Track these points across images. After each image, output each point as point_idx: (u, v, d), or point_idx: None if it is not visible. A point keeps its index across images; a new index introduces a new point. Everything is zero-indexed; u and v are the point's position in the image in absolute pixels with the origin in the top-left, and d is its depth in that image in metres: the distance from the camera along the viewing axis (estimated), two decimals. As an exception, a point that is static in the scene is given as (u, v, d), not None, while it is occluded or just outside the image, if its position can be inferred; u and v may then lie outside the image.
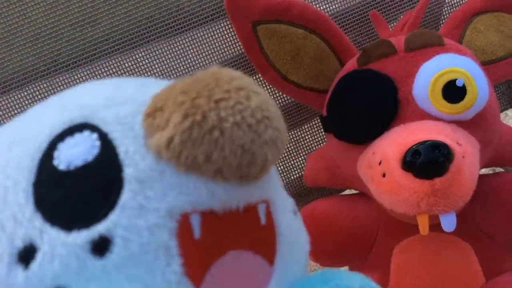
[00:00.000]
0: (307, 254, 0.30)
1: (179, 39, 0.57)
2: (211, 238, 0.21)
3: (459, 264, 0.53)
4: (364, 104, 0.50)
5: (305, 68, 0.57)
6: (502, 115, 0.61)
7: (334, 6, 0.61)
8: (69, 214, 0.20)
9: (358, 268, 0.58)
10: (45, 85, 0.54)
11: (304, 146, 0.66)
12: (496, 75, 0.59)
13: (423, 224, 0.45)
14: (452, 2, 0.65)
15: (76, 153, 0.21)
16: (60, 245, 0.19)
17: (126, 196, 0.20)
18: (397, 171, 0.44)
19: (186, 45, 0.58)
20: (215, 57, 0.59)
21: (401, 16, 0.61)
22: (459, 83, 0.47)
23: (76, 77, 0.54)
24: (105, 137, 0.21)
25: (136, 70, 0.56)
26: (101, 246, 0.19)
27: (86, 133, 0.21)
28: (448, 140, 0.45)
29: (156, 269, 0.20)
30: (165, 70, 0.58)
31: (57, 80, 0.54)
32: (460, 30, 0.59)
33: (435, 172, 0.43)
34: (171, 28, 0.56)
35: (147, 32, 0.55)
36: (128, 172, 0.21)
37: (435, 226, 0.46)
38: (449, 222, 0.44)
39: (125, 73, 0.56)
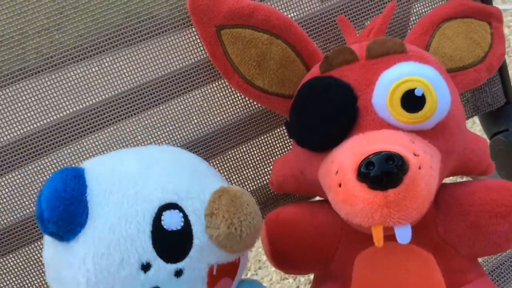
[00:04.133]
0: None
1: (147, 44, 0.56)
2: (220, 274, 0.42)
3: (420, 274, 0.52)
4: (323, 112, 0.50)
5: (271, 74, 0.56)
6: (469, 122, 0.61)
7: (300, 11, 0.60)
8: (167, 255, 0.39)
9: (321, 276, 0.57)
10: (9, 90, 0.53)
11: (274, 152, 0.65)
12: (463, 82, 0.58)
13: (378, 236, 0.44)
14: (420, 10, 0.65)
15: (173, 222, 0.39)
16: (163, 268, 0.39)
17: (193, 252, 0.40)
18: (352, 182, 0.44)
19: (154, 51, 0.57)
20: (182, 63, 0.58)
21: (368, 22, 0.60)
22: (417, 93, 0.46)
23: (41, 83, 0.54)
24: (186, 217, 0.40)
25: (103, 76, 0.56)
26: (179, 273, 0.39)
27: (177, 211, 0.39)
28: (405, 151, 0.44)
29: (198, 286, 0.42)
30: (133, 76, 0.57)
31: (22, 86, 0.53)
32: (428, 36, 0.58)
33: (389, 183, 0.42)
34: (139, 34, 0.55)
35: (115, 38, 0.55)
36: (195, 242, 0.40)
37: (394, 236, 0.45)
38: (403, 234, 0.44)
39: (92, 78, 0.55)
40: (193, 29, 0.57)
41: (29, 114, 0.54)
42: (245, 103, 0.62)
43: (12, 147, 0.54)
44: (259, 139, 0.64)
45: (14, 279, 0.58)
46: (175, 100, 0.59)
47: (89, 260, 0.38)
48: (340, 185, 0.45)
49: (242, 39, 0.55)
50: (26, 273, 0.58)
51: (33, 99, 0.54)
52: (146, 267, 0.38)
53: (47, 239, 0.42)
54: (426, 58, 0.51)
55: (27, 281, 0.58)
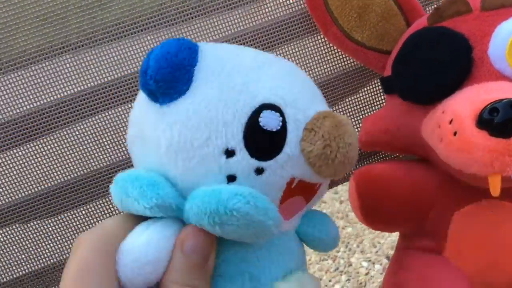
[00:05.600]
0: None
1: (191, 25, 0.56)
2: (297, 190, 0.40)
3: (521, 236, 0.51)
4: (436, 62, 0.49)
5: (371, 27, 0.56)
6: None
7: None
8: (254, 150, 0.37)
9: (411, 234, 0.57)
10: (50, 66, 0.54)
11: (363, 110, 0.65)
12: None
13: (495, 185, 0.43)
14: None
15: (270, 122, 0.37)
16: (245, 160, 0.37)
17: (280, 157, 0.38)
18: (470, 129, 0.43)
19: (198, 30, 0.56)
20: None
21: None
22: (540, 44, 0.45)
23: (82, 60, 0.54)
24: (284, 123, 0.38)
25: (144, 55, 0.54)
26: (259, 171, 0.37)
27: (278, 114, 0.38)
28: None
29: (273, 191, 0.39)
30: None
31: (63, 62, 0.54)
32: None
33: None
34: (182, 14, 0.55)
35: (158, 18, 0.54)
36: (286, 149, 0.38)
37: (502, 193, 0.44)
38: (522, 185, 0.43)
39: (133, 58, 0.55)
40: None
41: (68, 85, 0.55)
42: (336, 63, 0.61)
43: (51, 110, 0.55)
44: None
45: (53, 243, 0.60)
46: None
47: (177, 127, 0.37)
48: (455, 134, 0.44)
49: None
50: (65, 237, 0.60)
51: (73, 72, 0.55)
52: (229, 153, 0.37)
53: (140, 100, 0.41)
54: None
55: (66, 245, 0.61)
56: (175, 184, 0.37)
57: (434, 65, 0.49)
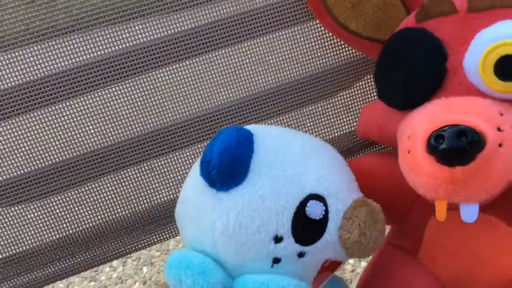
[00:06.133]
0: None
1: (178, 15, 0.55)
2: (328, 267, 0.47)
3: (496, 248, 0.49)
4: (408, 69, 0.46)
5: (366, 17, 0.53)
6: None
7: None
8: (300, 236, 0.42)
9: (396, 231, 0.57)
10: (36, 48, 0.52)
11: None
12: None
13: (440, 210, 0.42)
14: None
15: (315, 211, 0.43)
16: (291, 246, 0.42)
17: (320, 242, 0.44)
18: (420, 152, 0.42)
19: (184, 19, 0.55)
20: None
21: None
22: (515, 59, 0.41)
23: (70, 43, 0.53)
24: (327, 212, 0.43)
25: (133, 42, 0.54)
26: (302, 255, 0.43)
27: (321, 204, 0.43)
28: (486, 125, 0.40)
29: (310, 271, 0.46)
30: (165, 43, 0.55)
31: (50, 45, 0.53)
32: None
33: (458, 160, 0.39)
34: (177, 3, 0.54)
35: (146, 6, 0.53)
36: (326, 236, 0.44)
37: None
38: (469, 213, 0.41)
39: (121, 44, 0.54)
40: None
41: (55, 72, 0.53)
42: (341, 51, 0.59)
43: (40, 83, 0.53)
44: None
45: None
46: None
47: (233, 215, 0.42)
48: (409, 152, 0.43)
49: None
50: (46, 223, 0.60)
51: (60, 57, 0.53)
52: (278, 239, 0.42)
53: (195, 183, 0.46)
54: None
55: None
56: (224, 263, 0.44)
57: (407, 72, 0.46)
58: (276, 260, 0.43)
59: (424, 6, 0.47)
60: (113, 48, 0.54)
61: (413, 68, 0.46)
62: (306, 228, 0.43)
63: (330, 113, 0.63)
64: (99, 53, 0.54)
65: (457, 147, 0.39)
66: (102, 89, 0.55)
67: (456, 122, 0.40)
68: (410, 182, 0.44)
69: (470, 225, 0.49)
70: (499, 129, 0.40)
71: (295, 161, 0.44)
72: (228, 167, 0.42)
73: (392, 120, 0.50)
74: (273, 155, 0.44)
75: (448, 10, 0.45)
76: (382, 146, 0.65)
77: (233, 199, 0.43)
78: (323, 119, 0.62)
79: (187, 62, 0.56)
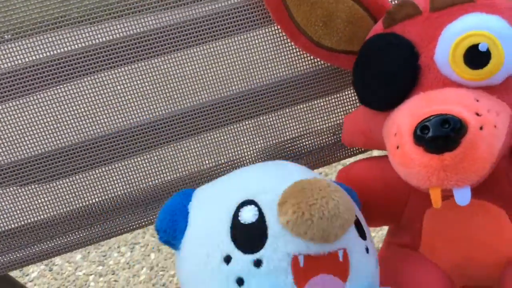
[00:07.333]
0: (374, 275, 0.47)
1: (191, 9, 0.56)
2: (312, 268, 0.41)
3: (491, 230, 0.51)
4: (384, 72, 0.49)
5: (338, 33, 0.55)
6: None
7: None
8: (244, 246, 0.42)
9: (393, 229, 0.59)
10: (49, 39, 0.53)
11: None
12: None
13: (435, 198, 0.44)
14: None
15: (248, 216, 0.42)
16: (241, 259, 0.41)
17: (269, 242, 0.41)
18: (408, 145, 0.44)
19: (196, 14, 0.56)
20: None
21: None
22: (482, 48, 0.44)
23: (81, 35, 0.53)
24: (260, 210, 0.43)
25: (144, 35, 0.55)
26: (258, 263, 0.41)
27: (252, 206, 0.43)
28: (465, 111, 0.42)
29: (280, 278, 0.41)
30: (175, 38, 0.56)
31: (62, 35, 0.53)
32: None
33: (445, 147, 0.42)
34: None
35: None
36: (270, 232, 0.41)
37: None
38: (463, 196, 0.43)
39: (133, 36, 0.54)
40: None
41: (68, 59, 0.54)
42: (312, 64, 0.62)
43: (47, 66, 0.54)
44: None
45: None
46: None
47: (187, 261, 0.46)
48: (398, 147, 0.45)
49: (307, 1, 0.54)
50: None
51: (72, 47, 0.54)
52: (227, 259, 0.42)
53: (180, 258, 0.48)
54: (497, 6, 0.47)
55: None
56: None
57: (383, 75, 0.49)
58: (240, 281, 0.41)
59: (390, 12, 0.50)
60: (121, 34, 0.55)
61: (388, 69, 0.49)
62: (246, 234, 0.42)
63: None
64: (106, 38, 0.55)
65: (442, 134, 0.41)
66: (113, 70, 0.56)
67: (438, 112, 0.43)
68: (402, 176, 0.46)
69: (465, 211, 0.52)
70: (477, 114, 0.43)
71: (224, 190, 0.48)
72: (167, 235, 0.47)
73: (376, 123, 0.52)
74: (205, 195, 0.49)
75: (413, 12, 0.49)
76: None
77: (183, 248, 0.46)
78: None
79: (194, 50, 0.58)
